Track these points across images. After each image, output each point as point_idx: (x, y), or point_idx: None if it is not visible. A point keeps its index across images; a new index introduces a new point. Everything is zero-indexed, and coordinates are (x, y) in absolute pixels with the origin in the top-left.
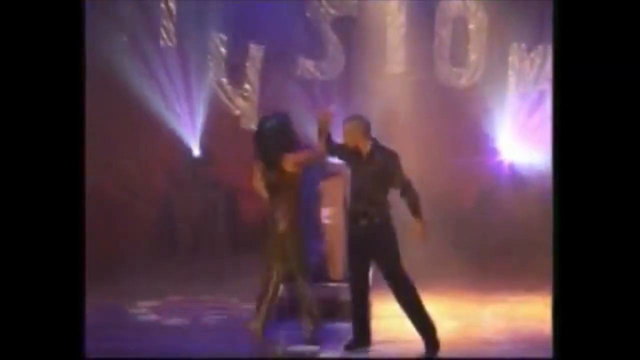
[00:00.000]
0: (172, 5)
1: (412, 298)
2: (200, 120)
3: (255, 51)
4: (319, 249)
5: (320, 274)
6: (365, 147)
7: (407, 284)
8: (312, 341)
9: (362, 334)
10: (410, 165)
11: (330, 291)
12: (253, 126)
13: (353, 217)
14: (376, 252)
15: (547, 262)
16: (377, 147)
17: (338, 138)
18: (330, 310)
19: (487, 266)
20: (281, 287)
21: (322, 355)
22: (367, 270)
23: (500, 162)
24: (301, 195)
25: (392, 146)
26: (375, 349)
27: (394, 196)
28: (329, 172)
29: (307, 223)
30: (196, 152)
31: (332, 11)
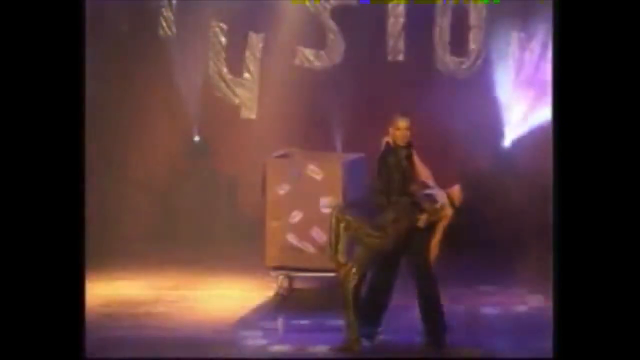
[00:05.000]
0: None
1: (434, 295)
2: (200, 109)
3: (255, 40)
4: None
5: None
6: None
7: (433, 280)
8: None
9: (373, 327)
10: None
11: (328, 281)
12: (253, 115)
13: None
14: (412, 249)
15: (547, 254)
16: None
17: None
18: (327, 300)
19: (486, 257)
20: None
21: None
22: (398, 267)
23: (501, 152)
24: None
25: None
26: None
27: None
28: (328, 162)
29: None
30: (196, 141)
31: (332, 0)
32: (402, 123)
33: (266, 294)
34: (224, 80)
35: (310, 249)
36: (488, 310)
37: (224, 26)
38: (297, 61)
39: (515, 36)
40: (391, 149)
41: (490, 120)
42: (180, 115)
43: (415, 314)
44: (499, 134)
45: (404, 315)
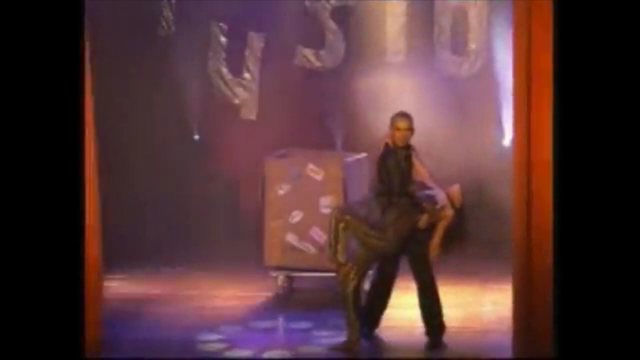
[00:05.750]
0: None
1: (434, 295)
2: (200, 109)
3: (255, 40)
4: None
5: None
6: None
7: (433, 281)
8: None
9: (373, 327)
10: None
11: (328, 281)
12: (253, 115)
13: None
14: (412, 250)
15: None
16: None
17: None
18: (327, 300)
19: (489, 255)
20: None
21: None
22: (397, 268)
23: (502, 152)
24: None
25: None
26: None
27: None
28: (328, 162)
29: None
30: (196, 141)
31: (332, 0)
32: (402, 123)
33: (266, 294)
34: (224, 80)
35: (310, 249)
36: (488, 309)
37: (224, 26)
38: (297, 61)
39: None
40: (390, 150)
41: (490, 120)
42: (180, 115)
43: (415, 313)
44: (498, 133)
45: (404, 315)
